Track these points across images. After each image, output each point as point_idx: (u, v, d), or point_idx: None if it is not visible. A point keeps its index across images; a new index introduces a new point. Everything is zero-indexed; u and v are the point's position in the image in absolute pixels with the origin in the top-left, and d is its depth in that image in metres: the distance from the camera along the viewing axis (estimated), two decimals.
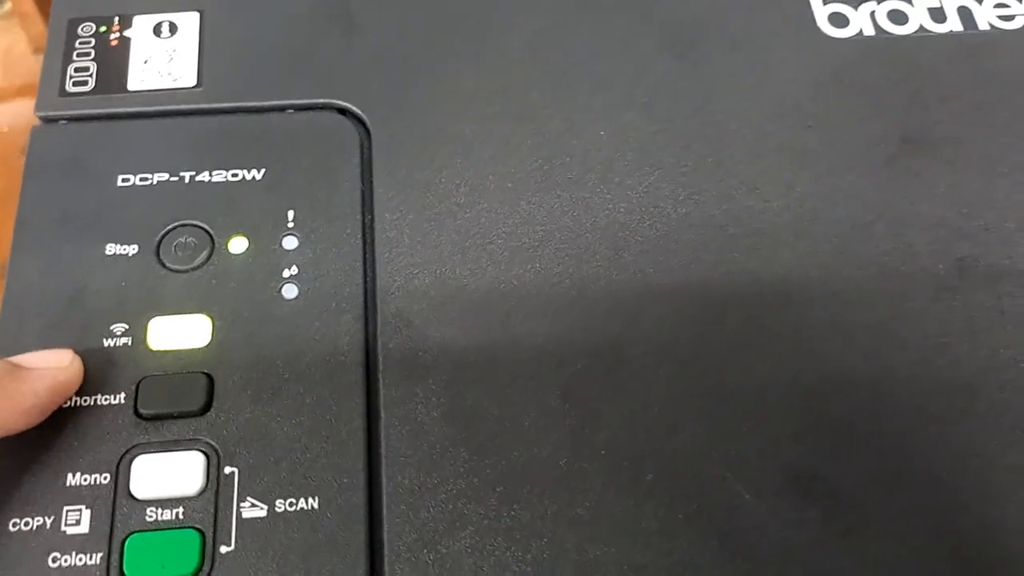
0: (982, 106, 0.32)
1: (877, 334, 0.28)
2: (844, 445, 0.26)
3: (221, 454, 0.25)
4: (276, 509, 0.25)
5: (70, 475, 0.25)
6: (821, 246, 0.29)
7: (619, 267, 0.28)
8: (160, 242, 0.28)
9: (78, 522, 0.24)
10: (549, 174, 0.30)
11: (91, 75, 0.32)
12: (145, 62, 0.32)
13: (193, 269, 0.28)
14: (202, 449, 0.25)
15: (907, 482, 0.25)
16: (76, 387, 0.26)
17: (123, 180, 0.29)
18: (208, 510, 0.24)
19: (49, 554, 0.24)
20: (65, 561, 0.24)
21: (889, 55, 0.33)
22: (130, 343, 0.27)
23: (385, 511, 0.25)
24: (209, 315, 0.27)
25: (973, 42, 0.33)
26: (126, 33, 0.32)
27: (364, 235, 0.29)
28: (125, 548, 0.24)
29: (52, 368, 0.25)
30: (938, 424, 0.26)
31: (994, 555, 0.25)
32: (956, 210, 0.30)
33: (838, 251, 0.29)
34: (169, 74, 0.32)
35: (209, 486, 0.25)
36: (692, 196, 0.30)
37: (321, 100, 0.31)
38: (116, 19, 0.33)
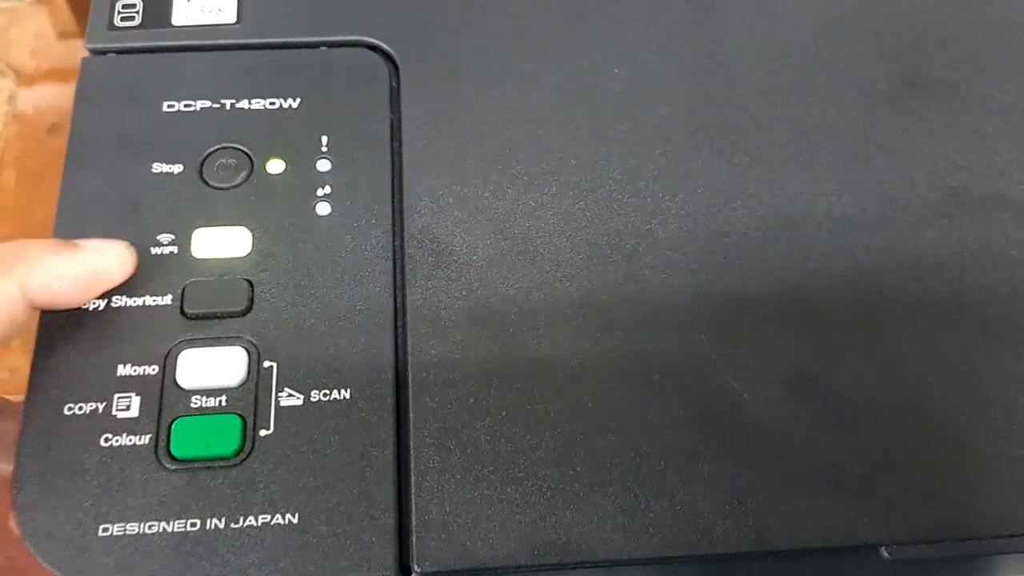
0: (978, 51, 0.34)
1: (875, 254, 0.29)
2: (841, 353, 0.28)
3: (261, 350, 0.27)
4: (311, 399, 0.27)
5: (121, 366, 0.27)
6: (824, 174, 0.31)
7: (632, 191, 0.30)
8: (203, 162, 0.30)
9: (128, 407, 0.26)
10: (567, 108, 0.32)
11: (138, 11, 0.34)
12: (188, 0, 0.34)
13: (234, 187, 0.30)
14: (244, 345, 0.27)
15: (898, 385, 0.27)
16: (123, 275, 0.27)
17: (168, 106, 0.31)
18: (249, 399, 0.26)
19: (102, 435, 0.26)
20: (116, 441, 0.26)
21: (891, 1, 0.35)
22: (176, 251, 0.29)
23: (411, 402, 0.26)
24: (249, 228, 0.29)
25: None
26: None
27: (393, 159, 0.31)
28: (172, 430, 0.26)
29: (100, 250, 0.27)
30: (929, 334, 0.28)
31: (975, 453, 0.26)
32: (952, 145, 0.32)
33: (841, 179, 0.31)
34: (211, 11, 0.34)
35: (250, 378, 0.27)
36: (702, 129, 0.32)
37: (353, 37, 0.33)
38: None
